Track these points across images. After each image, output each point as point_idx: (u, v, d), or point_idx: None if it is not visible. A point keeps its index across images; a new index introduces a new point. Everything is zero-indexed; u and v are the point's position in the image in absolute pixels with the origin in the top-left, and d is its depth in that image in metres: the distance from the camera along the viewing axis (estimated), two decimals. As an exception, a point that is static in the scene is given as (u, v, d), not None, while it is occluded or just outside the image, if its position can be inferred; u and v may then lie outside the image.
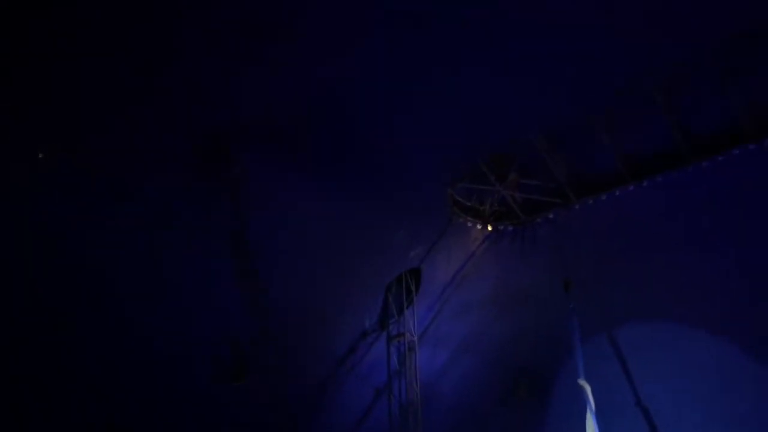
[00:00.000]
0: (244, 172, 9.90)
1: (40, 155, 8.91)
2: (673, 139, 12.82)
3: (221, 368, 11.67)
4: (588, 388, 12.14)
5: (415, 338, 14.32)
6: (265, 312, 11.48)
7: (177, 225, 10.09)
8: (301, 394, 13.18)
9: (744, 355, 12.83)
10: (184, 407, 11.52)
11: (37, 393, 10.65)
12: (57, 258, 9.68)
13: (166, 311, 10.88)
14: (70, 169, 9.05)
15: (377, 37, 8.90)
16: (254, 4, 8.11)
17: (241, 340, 11.56)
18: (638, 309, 13.81)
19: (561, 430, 14.53)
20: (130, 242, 9.95)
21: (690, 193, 13.27)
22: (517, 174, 14.05)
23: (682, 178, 13.23)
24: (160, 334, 10.93)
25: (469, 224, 14.25)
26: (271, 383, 11.74)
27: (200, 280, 10.91)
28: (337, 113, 10.04)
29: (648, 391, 14.12)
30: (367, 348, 14.41)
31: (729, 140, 12.65)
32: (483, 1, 8.67)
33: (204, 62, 8.71)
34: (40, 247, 9.49)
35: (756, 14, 9.27)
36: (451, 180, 13.51)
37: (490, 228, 14.43)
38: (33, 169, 8.82)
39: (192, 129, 9.48)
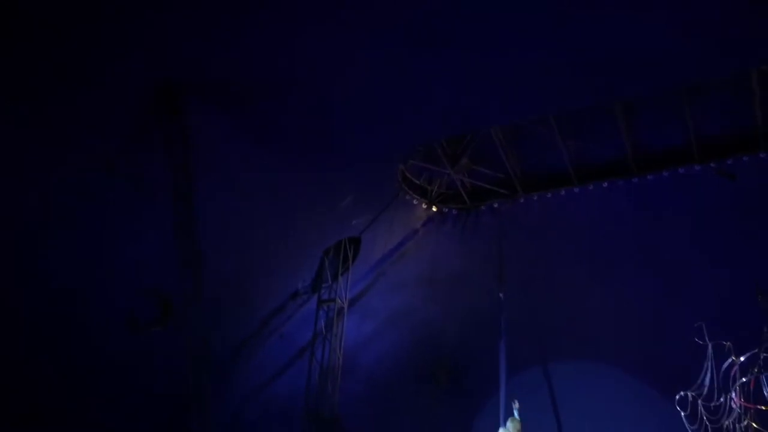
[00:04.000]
0: (193, 128, 9.63)
1: None
2: (624, 151, 13.11)
3: (143, 314, 11.47)
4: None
5: (345, 305, 14.40)
6: (197, 263, 11.32)
7: (117, 173, 9.79)
8: (223, 346, 13.12)
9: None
10: (99, 354, 11.32)
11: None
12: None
13: (97, 257, 10.60)
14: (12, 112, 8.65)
15: (342, 17, 8.76)
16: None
17: (167, 289, 11.36)
18: (566, 311, 14.16)
19: (475, 419, 14.92)
20: (67, 188, 9.61)
21: (631, 204, 13.59)
22: (469, 160, 14.16)
23: (626, 188, 13.55)
24: (87, 278, 10.66)
25: (415, 202, 14.32)
26: (193, 333, 11.63)
27: (135, 229, 10.65)
28: (295, 82, 9.86)
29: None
30: (296, 309, 14.41)
31: (675, 160, 13.06)
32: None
33: (169, 16, 8.40)
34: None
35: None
36: (403, 156, 13.47)
37: (434, 209, 14.54)
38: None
39: (145, 79, 9.15)
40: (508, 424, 12.09)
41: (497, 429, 12.34)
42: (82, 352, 11.29)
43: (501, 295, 13.38)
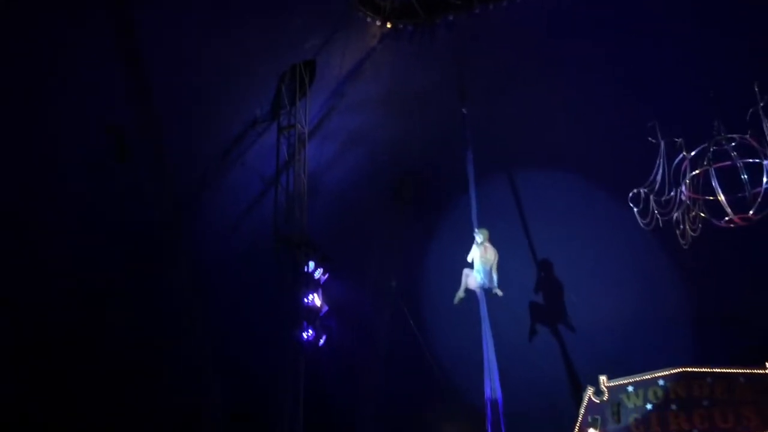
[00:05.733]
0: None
1: None
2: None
3: (101, 153, 11.36)
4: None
5: (306, 130, 14.34)
6: (148, 97, 11.11)
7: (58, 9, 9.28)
8: (185, 183, 13.19)
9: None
10: (60, 198, 11.32)
11: None
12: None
13: (42, 99, 10.30)
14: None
15: None
16: None
17: (122, 126, 11.20)
18: (526, 120, 14.30)
19: (443, 235, 15.48)
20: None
21: (584, 7, 13.26)
22: (419, -31, 13.58)
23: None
24: (40, 118, 10.42)
25: (369, 20, 13.83)
26: (153, 171, 11.65)
27: (80, 63, 10.28)
28: None
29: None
30: (256, 137, 14.32)
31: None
32: None
33: None
34: None
35: None
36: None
37: (389, 25, 14.08)
38: None
39: None
40: (478, 237, 12.66)
41: (463, 237, 12.92)
42: (45, 195, 11.28)
43: (464, 110, 13.39)
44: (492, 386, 12.12)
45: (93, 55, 10.21)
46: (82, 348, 12.43)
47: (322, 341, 13.53)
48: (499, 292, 12.65)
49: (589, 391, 14.33)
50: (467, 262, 12.91)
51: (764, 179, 9.89)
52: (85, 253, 12.18)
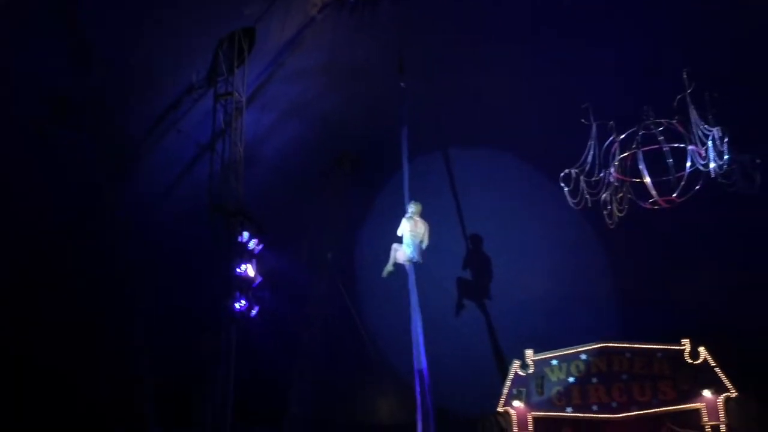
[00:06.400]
0: None
1: None
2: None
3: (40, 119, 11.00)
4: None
5: (243, 98, 14.12)
6: (87, 62, 10.80)
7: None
8: (120, 147, 12.88)
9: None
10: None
11: None
12: None
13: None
14: None
15: None
16: None
17: (62, 94, 10.86)
18: (465, 97, 14.42)
19: (380, 209, 15.55)
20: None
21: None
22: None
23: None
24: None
25: (310, -12, 13.66)
26: (89, 134, 11.33)
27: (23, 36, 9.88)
28: None
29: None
30: (192, 104, 14.02)
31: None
32: None
33: None
34: None
35: None
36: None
37: (331, -5, 13.94)
38: None
39: None
40: (410, 209, 12.78)
41: (399, 212, 13.02)
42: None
43: (402, 84, 13.40)
44: (419, 358, 12.32)
45: (32, 22, 9.83)
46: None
47: (254, 312, 13.43)
48: (420, 260, 12.76)
49: (515, 365, 14.76)
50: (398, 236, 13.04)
51: (688, 164, 10.29)
52: (20, 217, 11.86)
